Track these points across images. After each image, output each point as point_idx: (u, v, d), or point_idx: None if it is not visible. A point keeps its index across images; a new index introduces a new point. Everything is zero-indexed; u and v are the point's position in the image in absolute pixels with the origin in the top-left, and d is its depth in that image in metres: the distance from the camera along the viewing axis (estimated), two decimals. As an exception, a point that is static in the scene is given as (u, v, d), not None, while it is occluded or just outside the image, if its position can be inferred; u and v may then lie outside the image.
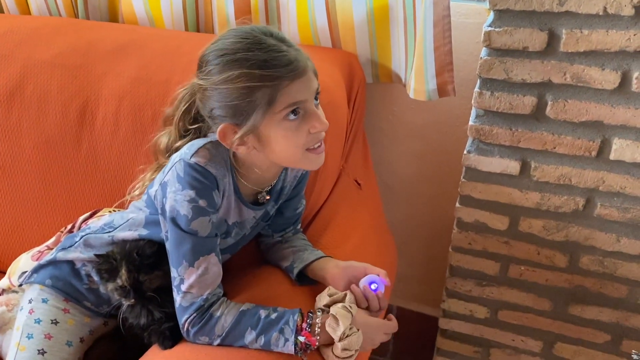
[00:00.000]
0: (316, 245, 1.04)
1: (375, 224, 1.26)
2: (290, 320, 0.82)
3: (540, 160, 1.14)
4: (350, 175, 1.26)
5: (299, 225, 1.08)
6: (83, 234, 0.98)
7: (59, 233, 1.13)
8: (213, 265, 0.85)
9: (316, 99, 0.84)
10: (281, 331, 0.82)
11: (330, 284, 0.91)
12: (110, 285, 0.90)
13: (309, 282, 0.97)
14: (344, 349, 0.82)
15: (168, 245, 0.85)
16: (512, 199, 1.19)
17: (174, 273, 0.85)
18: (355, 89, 1.26)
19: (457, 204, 1.24)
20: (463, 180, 1.21)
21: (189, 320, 0.84)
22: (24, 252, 1.15)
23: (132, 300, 0.89)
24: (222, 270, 0.87)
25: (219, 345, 0.84)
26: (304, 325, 0.83)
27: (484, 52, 1.09)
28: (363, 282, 0.91)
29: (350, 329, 0.83)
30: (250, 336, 0.83)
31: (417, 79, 1.18)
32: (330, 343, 0.84)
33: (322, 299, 0.89)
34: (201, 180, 0.82)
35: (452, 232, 1.28)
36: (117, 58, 1.21)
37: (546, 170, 1.14)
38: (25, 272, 1.03)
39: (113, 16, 1.47)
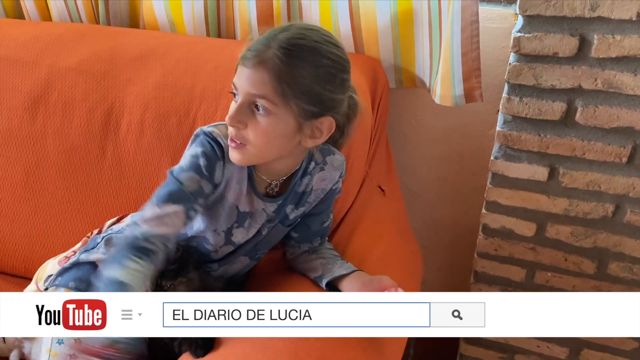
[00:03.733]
0: (343, 254, 1.03)
1: (399, 230, 1.25)
2: None
3: (569, 166, 1.13)
4: (374, 181, 1.25)
5: (326, 237, 1.07)
6: (104, 234, 0.98)
7: (85, 238, 1.13)
8: (178, 217, 0.84)
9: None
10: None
11: None
12: None
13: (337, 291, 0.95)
14: None
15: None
16: (540, 205, 1.18)
17: (141, 206, 0.87)
18: (379, 94, 1.26)
19: (484, 210, 1.23)
20: (490, 186, 1.20)
21: (121, 248, 0.81)
22: (49, 258, 1.15)
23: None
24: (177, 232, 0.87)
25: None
26: None
27: (512, 57, 1.08)
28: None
29: None
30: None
31: (444, 85, 1.17)
32: None
33: None
34: (209, 146, 0.86)
35: (478, 238, 1.27)
36: (141, 65, 1.21)
37: (575, 176, 1.13)
38: (51, 275, 1.04)
39: (134, 22, 1.47)
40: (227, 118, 0.82)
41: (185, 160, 0.87)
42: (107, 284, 0.79)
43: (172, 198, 0.84)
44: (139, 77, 1.20)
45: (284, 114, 0.80)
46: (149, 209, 0.84)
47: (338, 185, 1.00)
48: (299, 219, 1.00)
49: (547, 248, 1.22)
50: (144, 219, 0.83)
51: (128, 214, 1.13)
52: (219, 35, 1.40)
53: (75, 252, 1.10)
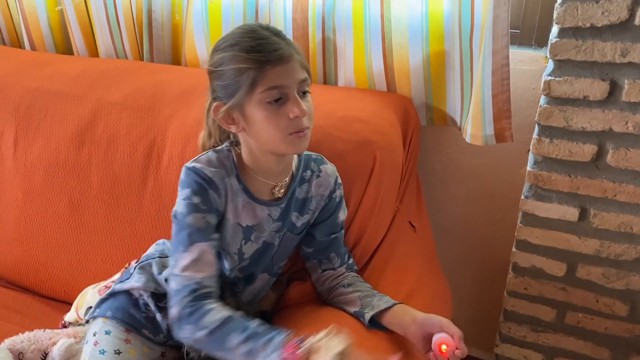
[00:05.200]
0: (374, 288, 1.05)
1: (430, 267, 1.26)
2: (279, 335, 0.81)
3: (599, 208, 1.13)
4: (405, 217, 1.27)
5: (351, 259, 1.09)
6: (137, 264, 1.03)
7: (123, 269, 1.17)
8: (207, 252, 0.89)
9: (305, 92, 0.89)
10: (268, 342, 0.80)
11: (410, 341, 0.92)
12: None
13: (381, 328, 0.96)
14: None
15: (172, 241, 0.92)
16: (570, 245, 1.18)
17: (170, 261, 0.90)
18: (410, 131, 1.28)
19: (514, 249, 1.24)
20: (520, 225, 1.21)
21: (181, 302, 0.85)
22: (89, 285, 1.19)
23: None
24: (217, 267, 0.91)
25: (199, 339, 0.84)
26: (292, 341, 0.80)
27: (543, 100, 1.10)
28: (435, 340, 0.88)
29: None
30: (235, 339, 0.82)
31: (474, 124, 1.20)
32: None
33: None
34: (196, 180, 0.91)
35: (508, 277, 1.27)
36: (183, 100, 1.27)
37: (606, 217, 1.13)
38: (91, 307, 1.07)
39: (176, 59, 1.54)
40: (296, 111, 0.86)
41: (180, 205, 0.91)
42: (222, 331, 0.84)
43: (192, 239, 0.89)
44: (180, 112, 1.25)
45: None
46: (181, 259, 0.88)
47: (337, 193, 1.04)
48: (307, 230, 1.04)
49: (579, 289, 1.21)
50: (182, 267, 0.88)
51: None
52: (257, 73, 1.46)
53: (114, 282, 1.15)
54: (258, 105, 0.86)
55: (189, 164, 0.93)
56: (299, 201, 1.01)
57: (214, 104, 0.90)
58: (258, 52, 0.84)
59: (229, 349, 0.82)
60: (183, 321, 0.86)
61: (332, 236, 1.06)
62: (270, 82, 0.85)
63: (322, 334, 0.79)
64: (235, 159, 0.95)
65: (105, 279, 1.18)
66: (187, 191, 0.91)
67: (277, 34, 0.88)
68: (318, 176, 1.02)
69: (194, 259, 0.88)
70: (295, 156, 1.00)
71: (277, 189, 0.98)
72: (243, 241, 0.97)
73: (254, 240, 0.99)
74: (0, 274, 1.38)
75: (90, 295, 1.15)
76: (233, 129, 0.92)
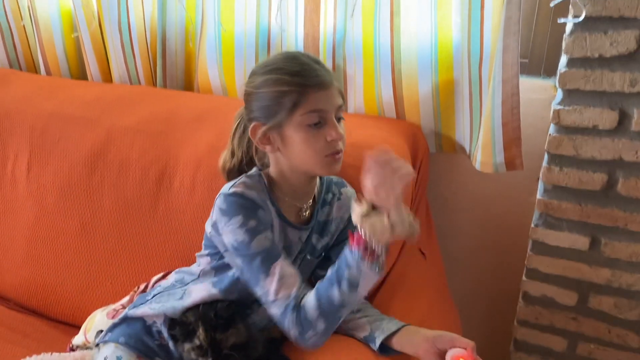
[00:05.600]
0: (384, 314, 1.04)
1: (440, 295, 1.25)
2: (350, 255, 0.86)
3: (610, 237, 1.13)
4: (414, 244, 1.27)
5: None
6: (155, 292, 1.02)
7: (132, 292, 1.18)
8: (286, 266, 0.90)
9: (339, 118, 0.93)
10: (347, 264, 0.86)
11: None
12: (187, 346, 0.93)
13: (392, 352, 0.95)
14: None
15: (242, 274, 0.92)
16: (582, 274, 1.17)
17: (258, 292, 0.90)
18: (419, 158, 1.29)
19: (524, 277, 1.23)
20: (530, 253, 1.20)
21: (290, 324, 0.88)
22: (97, 308, 1.20)
23: (210, 359, 0.91)
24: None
25: (326, 331, 0.87)
26: (357, 238, 0.85)
27: (552, 128, 1.11)
28: (451, 355, 0.88)
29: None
30: (336, 291, 0.86)
31: (485, 152, 1.20)
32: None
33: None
34: (243, 205, 0.91)
35: (518, 306, 1.26)
36: (195, 126, 1.29)
37: (617, 247, 1.13)
38: (101, 330, 1.07)
39: (188, 85, 1.57)
40: (334, 134, 0.89)
41: (238, 235, 0.90)
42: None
43: (267, 263, 0.89)
44: (192, 138, 1.27)
45: None
46: (268, 285, 0.88)
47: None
48: (324, 252, 1.05)
49: (590, 319, 1.20)
50: (274, 292, 0.88)
51: (172, 271, 1.17)
52: (268, 100, 1.48)
53: (123, 306, 1.15)
54: (297, 127, 0.90)
55: (228, 191, 0.93)
56: (320, 223, 1.02)
57: (252, 124, 0.93)
58: (301, 77, 0.89)
59: (342, 302, 0.87)
60: (303, 336, 0.88)
61: None
62: (311, 105, 0.89)
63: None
64: (266, 182, 0.97)
65: (114, 301, 1.18)
66: (238, 218, 0.90)
67: (318, 62, 0.93)
68: (339, 199, 1.04)
69: (278, 279, 0.89)
70: (318, 178, 1.03)
71: (303, 210, 1.00)
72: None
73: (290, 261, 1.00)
74: (9, 295, 1.38)
75: (98, 319, 1.15)
76: (268, 149, 0.94)
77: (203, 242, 1.03)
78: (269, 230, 0.92)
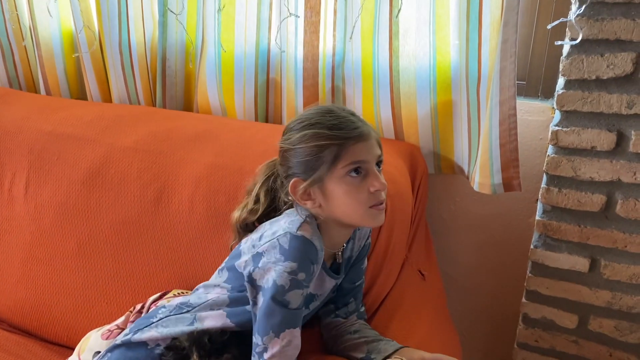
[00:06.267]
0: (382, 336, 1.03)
1: (439, 316, 1.24)
2: None
3: (610, 258, 1.12)
4: (414, 265, 1.26)
5: (363, 308, 1.09)
6: (162, 315, 0.99)
7: (128, 313, 1.16)
8: (296, 337, 0.87)
9: (379, 165, 0.91)
10: None
11: None
12: None
13: None
14: None
15: (256, 312, 0.88)
16: (582, 296, 1.17)
17: (257, 340, 0.87)
18: (418, 179, 1.29)
19: (524, 299, 1.22)
20: (530, 275, 1.20)
21: None
22: (92, 329, 1.18)
23: (204, 384, 0.89)
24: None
25: None
26: None
27: (550, 149, 1.11)
28: None
29: None
30: None
31: (482, 173, 1.21)
32: None
33: None
34: (306, 254, 0.87)
35: (518, 328, 1.25)
36: (194, 146, 1.29)
37: (617, 268, 1.12)
38: (99, 351, 1.05)
39: (188, 105, 1.57)
40: (377, 185, 0.88)
41: (282, 278, 0.85)
42: None
43: (286, 324, 0.86)
44: (191, 157, 1.26)
45: None
46: (271, 345, 0.86)
47: (369, 240, 1.05)
48: None
49: (591, 342, 1.19)
50: (271, 355, 0.86)
51: (171, 290, 1.16)
52: (267, 120, 1.49)
53: (118, 327, 1.13)
54: (339, 180, 0.88)
55: (295, 231, 0.87)
56: (345, 260, 1.01)
57: (292, 181, 0.90)
58: (340, 130, 0.87)
59: None
60: None
61: (357, 283, 1.06)
62: (352, 157, 0.87)
63: None
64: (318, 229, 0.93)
65: (109, 322, 1.16)
66: (294, 265, 0.85)
67: (353, 114, 0.92)
68: (359, 229, 1.02)
69: (283, 345, 0.86)
70: None
71: (338, 255, 0.99)
72: (303, 306, 0.94)
73: (311, 309, 0.99)
74: (3, 316, 1.36)
75: (93, 339, 1.13)
76: (309, 204, 0.91)
77: (222, 274, 0.99)
78: (308, 286, 0.89)
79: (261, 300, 0.87)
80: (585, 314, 1.18)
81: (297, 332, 0.88)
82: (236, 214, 1.00)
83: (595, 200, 1.10)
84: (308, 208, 0.92)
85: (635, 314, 1.13)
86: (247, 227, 0.99)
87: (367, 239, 1.05)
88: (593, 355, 1.19)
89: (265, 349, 0.86)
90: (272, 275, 0.86)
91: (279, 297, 0.85)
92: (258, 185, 0.99)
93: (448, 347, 1.21)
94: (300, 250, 0.86)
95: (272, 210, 0.99)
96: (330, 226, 0.93)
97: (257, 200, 0.99)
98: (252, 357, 0.88)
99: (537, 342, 1.23)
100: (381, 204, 0.90)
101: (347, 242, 1.00)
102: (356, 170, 0.87)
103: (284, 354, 0.86)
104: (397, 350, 0.95)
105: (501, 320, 1.46)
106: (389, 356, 0.94)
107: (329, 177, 0.88)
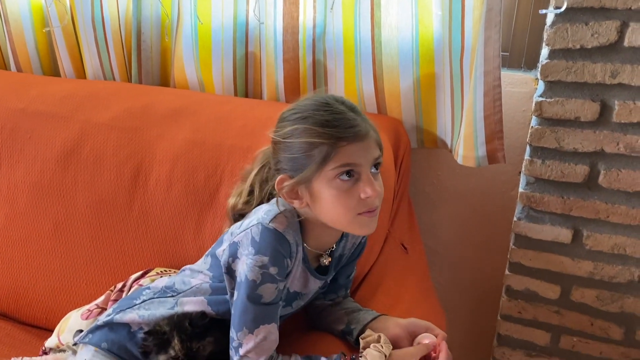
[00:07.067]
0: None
1: (422, 289, 1.24)
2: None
3: (593, 229, 1.13)
4: (397, 239, 1.26)
5: (349, 288, 1.08)
6: (145, 297, 0.97)
7: (108, 292, 1.14)
8: (271, 334, 0.85)
9: (377, 168, 0.85)
10: None
11: (393, 344, 0.89)
12: (162, 357, 0.89)
13: None
14: None
15: (232, 305, 0.86)
16: (564, 267, 1.17)
17: (232, 334, 0.85)
18: (401, 153, 1.28)
19: (507, 272, 1.23)
20: (513, 247, 1.20)
21: None
22: (72, 310, 1.15)
23: (188, 370, 0.88)
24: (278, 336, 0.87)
25: None
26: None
27: (534, 121, 1.10)
28: (419, 340, 0.90)
29: None
30: None
31: (466, 146, 1.19)
32: None
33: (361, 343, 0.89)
34: (276, 248, 0.83)
35: (501, 300, 1.26)
36: (171, 122, 1.25)
37: (599, 239, 1.13)
38: (81, 330, 1.03)
39: (164, 81, 1.53)
40: (369, 192, 0.81)
41: (253, 273, 0.82)
42: None
43: (261, 320, 0.84)
44: (169, 134, 1.23)
45: None
46: (246, 341, 0.84)
47: (364, 238, 1.01)
48: None
49: (573, 312, 1.20)
50: (246, 351, 0.84)
51: (153, 268, 1.14)
52: (246, 96, 1.45)
53: (98, 306, 1.11)
54: (328, 183, 0.81)
55: (267, 223, 0.84)
56: (336, 259, 0.97)
57: (279, 177, 0.85)
58: (333, 127, 0.80)
59: None
60: None
61: (350, 277, 1.04)
62: (343, 159, 0.80)
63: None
64: (299, 225, 0.88)
65: (88, 302, 1.14)
66: (264, 259, 0.82)
67: (353, 109, 0.84)
68: None
69: (258, 341, 0.83)
70: None
71: (323, 257, 0.94)
72: (284, 303, 0.92)
73: (294, 307, 0.96)
74: (-21, 300, 1.33)
75: (73, 319, 1.11)
76: (296, 204, 0.86)
77: (206, 261, 0.96)
78: (284, 280, 0.86)
79: (236, 294, 0.85)
80: (568, 285, 1.19)
81: (273, 327, 0.85)
82: (231, 201, 0.96)
83: (578, 171, 1.09)
84: (295, 207, 0.87)
85: (616, 284, 1.14)
86: (240, 217, 0.94)
87: (363, 237, 1.00)
88: (575, 325, 1.21)
89: (240, 345, 0.84)
90: (244, 268, 0.83)
91: (251, 292, 0.82)
92: (253, 173, 0.94)
93: (432, 319, 1.20)
94: (271, 244, 0.82)
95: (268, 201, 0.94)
96: (316, 225, 0.88)
97: (251, 191, 0.94)
98: (230, 351, 0.86)
99: (520, 314, 1.24)
100: (372, 211, 0.84)
101: (340, 240, 0.96)
102: (347, 173, 0.81)
103: (260, 348, 0.84)
104: (375, 318, 0.95)
105: (484, 293, 1.47)
106: (367, 324, 0.94)
107: (318, 178, 0.82)
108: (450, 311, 1.51)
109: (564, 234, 1.15)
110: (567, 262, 1.17)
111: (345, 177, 0.81)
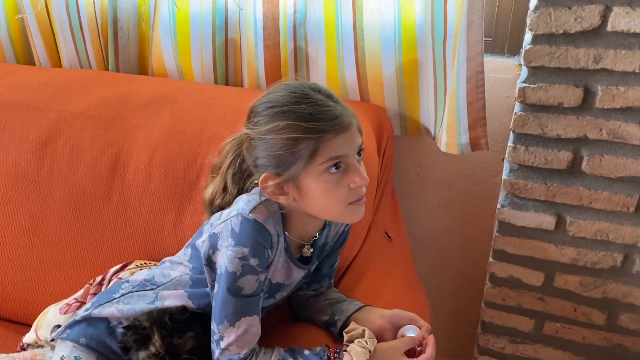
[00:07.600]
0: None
1: (406, 278, 1.23)
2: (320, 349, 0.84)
3: (576, 215, 1.13)
4: (381, 228, 1.25)
5: (333, 279, 1.07)
6: (124, 291, 0.95)
7: (87, 285, 1.11)
8: (253, 326, 0.84)
9: (359, 154, 0.84)
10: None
11: (377, 336, 0.88)
12: (142, 354, 0.87)
13: None
14: None
15: (213, 297, 0.84)
16: (548, 254, 1.17)
17: (214, 327, 0.84)
18: (384, 141, 1.27)
19: (491, 259, 1.22)
20: (496, 234, 1.20)
21: None
22: (50, 304, 1.13)
23: (169, 366, 0.86)
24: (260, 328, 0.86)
25: None
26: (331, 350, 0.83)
27: (517, 107, 1.09)
28: (402, 331, 0.89)
29: None
30: None
31: (450, 133, 1.18)
32: None
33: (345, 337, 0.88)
34: (257, 239, 0.81)
35: (485, 287, 1.26)
36: (150, 111, 1.22)
37: (582, 225, 1.13)
38: (59, 325, 1.01)
39: (142, 69, 1.50)
40: (358, 181, 0.81)
41: (233, 264, 0.80)
42: None
43: (242, 313, 0.82)
44: (147, 123, 1.20)
45: None
46: (227, 334, 0.82)
47: (347, 227, 1.00)
48: None
49: (556, 298, 1.21)
50: (227, 344, 0.82)
51: (132, 261, 1.12)
52: (227, 83, 1.42)
53: (77, 300, 1.08)
54: (317, 177, 0.80)
55: (247, 214, 0.82)
56: (318, 248, 0.96)
57: (262, 175, 0.82)
58: (318, 121, 0.78)
59: None
60: None
61: (334, 267, 1.03)
62: (331, 152, 0.79)
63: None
64: (281, 216, 0.86)
65: (67, 297, 1.12)
66: (244, 250, 0.80)
67: (331, 96, 0.82)
68: None
69: (239, 335, 0.82)
70: None
71: (306, 248, 0.93)
72: (266, 295, 0.90)
73: (277, 299, 0.94)
74: (-46, 296, 1.30)
75: (51, 314, 1.09)
76: (282, 199, 0.83)
77: (186, 252, 0.94)
78: (265, 272, 0.84)
79: (217, 287, 0.83)
80: (551, 271, 1.19)
81: (255, 319, 0.84)
82: (206, 196, 0.93)
83: (561, 158, 1.09)
84: (281, 202, 0.85)
85: (599, 270, 1.15)
86: (219, 209, 0.91)
87: (346, 225, 0.99)
88: (558, 311, 1.21)
89: (221, 338, 0.83)
90: (224, 260, 0.81)
91: (231, 285, 0.81)
92: (225, 167, 0.91)
93: (416, 308, 1.19)
94: (251, 235, 0.81)
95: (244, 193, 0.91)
96: (301, 216, 0.87)
97: (225, 188, 0.91)
98: (212, 344, 0.85)
99: (504, 301, 1.24)
100: (361, 199, 0.83)
101: (322, 230, 0.94)
102: (336, 165, 0.80)
103: (241, 341, 0.83)
104: (359, 309, 0.94)
105: (468, 280, 1.47)
106: (351, 315, 0.93)
107: (306, 173, 0.80)
108: (435, 299, 1.51)
109: (547, 221, 1.15)
110: (551, 249, 1.17)
111: (333, 169, 0.80)
